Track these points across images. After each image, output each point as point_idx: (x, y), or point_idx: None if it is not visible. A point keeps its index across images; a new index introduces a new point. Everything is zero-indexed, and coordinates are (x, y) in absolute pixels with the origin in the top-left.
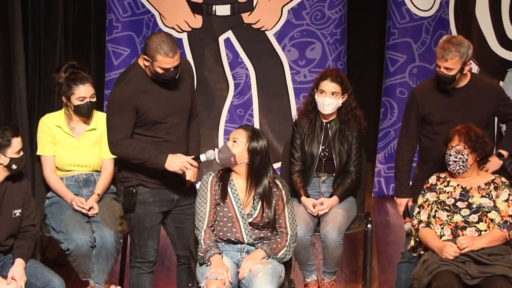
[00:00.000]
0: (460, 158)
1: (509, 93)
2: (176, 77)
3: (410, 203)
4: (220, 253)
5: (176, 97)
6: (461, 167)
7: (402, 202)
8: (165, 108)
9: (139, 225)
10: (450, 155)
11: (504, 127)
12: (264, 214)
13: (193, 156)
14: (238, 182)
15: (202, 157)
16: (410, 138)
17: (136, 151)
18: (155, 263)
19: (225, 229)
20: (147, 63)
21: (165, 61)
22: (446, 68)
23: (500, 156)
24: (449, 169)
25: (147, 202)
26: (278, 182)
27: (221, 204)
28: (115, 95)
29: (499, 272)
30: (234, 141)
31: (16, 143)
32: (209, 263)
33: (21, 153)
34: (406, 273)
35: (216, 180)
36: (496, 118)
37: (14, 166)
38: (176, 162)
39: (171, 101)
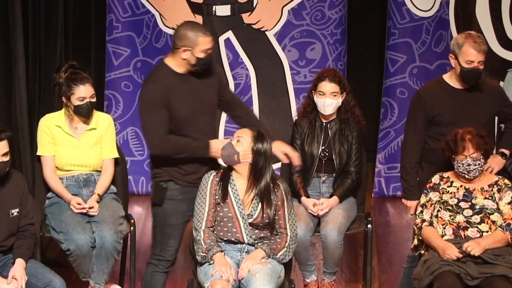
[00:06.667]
0: (479, 164)
1: (509, 93)
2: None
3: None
4: (222, 251)
5: (204, 95)
6: (479, 171)
7: (412, 204)
8: (193, 105)
9: (164, 221)
10: (469, 164)
11: (502, 126)
12: (264, 215)
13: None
14: (239, 182)
15: None
16: (418, 140)
17: (181, 145)
18: (172, 264)
19: (225, 229)
20: (186, 54)
21: (207, 41)
22: (479, 62)
23: (503, 155)
24: (467, 176)
25: (176, 199)
26: (278, 183)
27: (221, 204)
28: (145, 94)
29: (499, 272)
30: (238, 140)
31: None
32: (212, 261)
33: (6, 158)
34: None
35: (217, 179)
36: (496, 118)
37: None
38: (218, 148)
39: (199, 98)
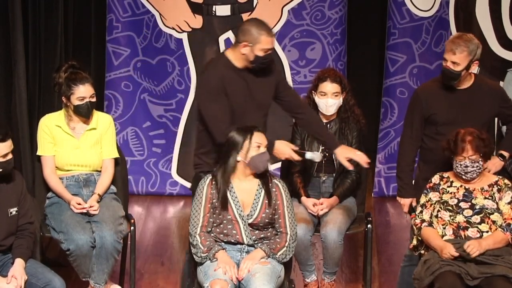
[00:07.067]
0: (477, 166)
1: (509, 93)
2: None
3: (414, 203)
4: (224, 249)
5: (257, 93)
6: (477, 173)
7: (406, 202)
8: (244, 101)
9: None
10: (467, 165)
11: (504, 128)
12: (264, 214)
13: (297, 149)
14: (238, 184)
15: (308, 155)
16: (414, 139)
17: None
18: None
19: (225, 231)
20: (246, 50)
21: (268, 41)
22: (453, 63)
23: (501, 157)
24: (464, 177)
25: None
26: (277, 182)
27: (220, 207)
28: (203, 83)
29: (499, 272)
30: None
31: (3, 147)
32: (215, 259)
33: (9, 156)
34: (411, 276)
35: (213, 182)
36: (496, 119)
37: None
38: (284, 151)
39: (251, 95)
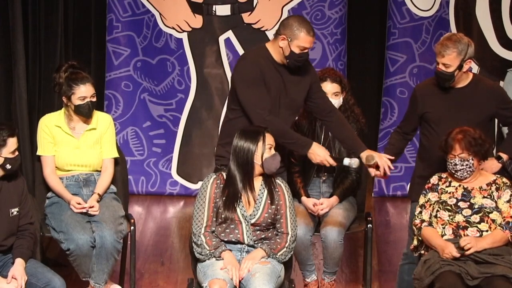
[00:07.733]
0: (467, 165)
1: (509, 92)
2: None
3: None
4: (230, 250)
5: (291, 90)
6: (468, 172)
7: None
8: (278, 96)
9: None
10: (456, 164)
11: (505, 129)
12: (266, 214)
13: (334, 155)
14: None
15: (346, 161)
16: (402, 129)
17: (286, 130)
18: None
19: (227, 230)
20: (283, 44)
21: (306, 40)
22: (444, 65)
23: (499, 158)
24: (455, 176)
25: None
26: (280, 183)
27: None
28: (242, 69)
29: (499, 272)
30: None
31: (12, 143)
32: (220, 258)
33: (16, 153)
34: (409, 274)
35: (217, 181)
36: (496, 120)
37: (8, 166)
38: (319, 154)
39: (285, 92)
